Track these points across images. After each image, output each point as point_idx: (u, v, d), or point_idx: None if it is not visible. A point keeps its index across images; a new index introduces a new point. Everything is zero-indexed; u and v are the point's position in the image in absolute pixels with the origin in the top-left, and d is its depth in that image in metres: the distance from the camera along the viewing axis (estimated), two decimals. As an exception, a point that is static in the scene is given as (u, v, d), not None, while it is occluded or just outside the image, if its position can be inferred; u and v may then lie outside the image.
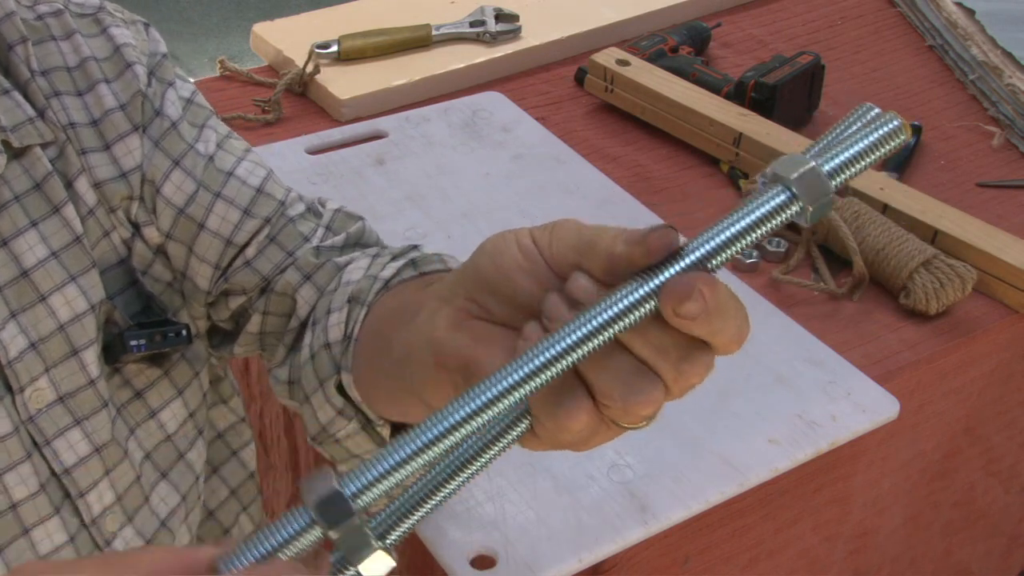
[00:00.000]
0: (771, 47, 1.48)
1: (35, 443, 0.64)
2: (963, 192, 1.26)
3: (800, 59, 1.33)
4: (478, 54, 1.39)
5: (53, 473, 0.65)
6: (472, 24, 1.41)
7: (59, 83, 0.68)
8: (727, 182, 1.25)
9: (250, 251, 0.74)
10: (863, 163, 0.44)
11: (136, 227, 0.71)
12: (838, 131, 0.46)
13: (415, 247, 0.74)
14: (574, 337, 0.43)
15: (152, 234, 0.72)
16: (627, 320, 0.44)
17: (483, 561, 0.82)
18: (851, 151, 0.44)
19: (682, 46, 1.41)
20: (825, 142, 0.46)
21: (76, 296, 0.66)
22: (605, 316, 0.44)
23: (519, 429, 0.48)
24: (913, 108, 1.40)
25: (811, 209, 0.44)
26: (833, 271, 1.11)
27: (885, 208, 1.15)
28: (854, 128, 0.45)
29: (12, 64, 0.67)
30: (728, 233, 0.44)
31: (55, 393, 0.65)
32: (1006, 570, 1.36)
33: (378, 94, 1.30)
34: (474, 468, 0.47)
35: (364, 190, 1.15)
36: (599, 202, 1.17)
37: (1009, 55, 1.45)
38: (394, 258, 0.72)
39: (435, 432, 0.43)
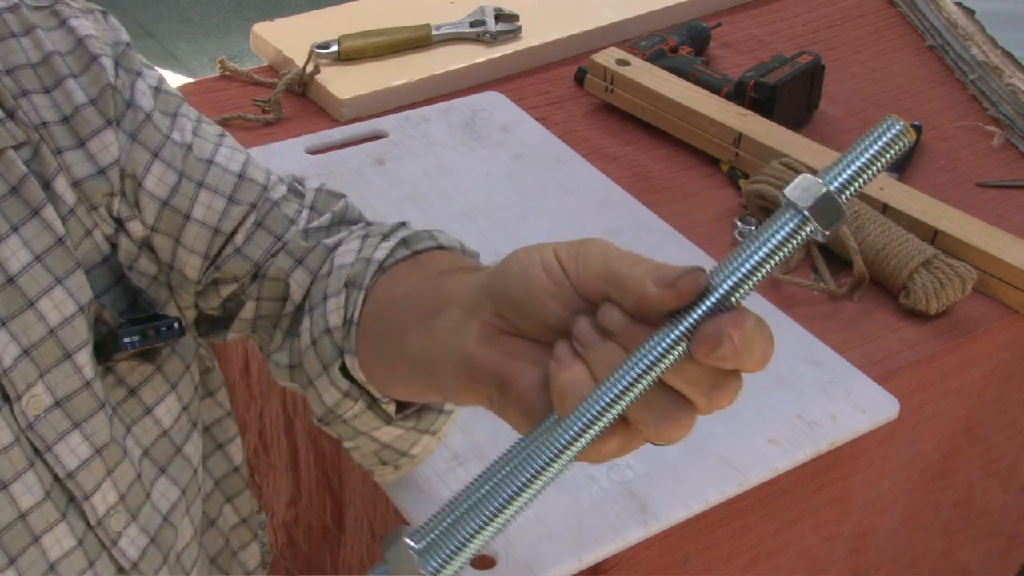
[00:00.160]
0: (771, 47, 1.48)
1: (36, 450, 0.64)
2: (963, 192, 1.26)
3: (800, 59, 1.33)
4: (478, 54, 1.39)
5: (56, 478, 0.65)
6: (472, 24, 1.41)
7: (25, 81, 0.66)
8: (727, 182, 1.25)
9: (239, 238, 0.73)
10: (870, 173, 0.45)
11: (119, 222, 0.70)
12: (862, 148, 0.46)
13: (403, 224, 0.75)
14: (619, 387, 0.46)
15: (136, 228, 0.71)
16: (663, 365, 0.46)
17: (483, 561, 0.82)
18: (856, 164, 0.45)
19: (682, 46, 1.41)
20: (843, 159, 0.46)
21: (64, 298, 0.65)
22: (644, 364, 0.46)
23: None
24: (913, 108, 1.40)
25: (827, 232, 0.45)
26: (833, 271, 1.11)
27: (885, 208, 1.15)
28: (871, 137, 0.46)
29: None
30: (749, 264, 0.46)
31: (52, 398, 0.64)
32: (1004, 569, 1.36)
33: (378, 94, 1.30)
34: (522, 502, 0.49)
35: (364, 190, 1.15)
36: (599, 202, 1.17)
37: (1009, 55, 1.45)
38: (384, 238, 0.72)
39: (497, 506, 0.48)
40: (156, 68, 0.74)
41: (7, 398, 0.63)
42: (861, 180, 0.46)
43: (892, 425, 0.98)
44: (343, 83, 1.30)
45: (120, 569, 0.68)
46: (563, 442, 0.46)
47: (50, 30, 0.68)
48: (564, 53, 1.44)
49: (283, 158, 1.18)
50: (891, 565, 1.18)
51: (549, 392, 0.50)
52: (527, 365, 0.53)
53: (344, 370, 0.70)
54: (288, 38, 1.37)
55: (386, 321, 0.67)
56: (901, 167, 1.27)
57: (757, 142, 1.21)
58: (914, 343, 1.06)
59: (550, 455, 0.46)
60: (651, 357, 0.46)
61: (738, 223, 1.16)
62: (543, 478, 0.47)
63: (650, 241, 1.11)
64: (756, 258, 0.46)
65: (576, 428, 0.46)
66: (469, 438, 0.91)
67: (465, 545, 0.48)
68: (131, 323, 0.69)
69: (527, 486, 0.47)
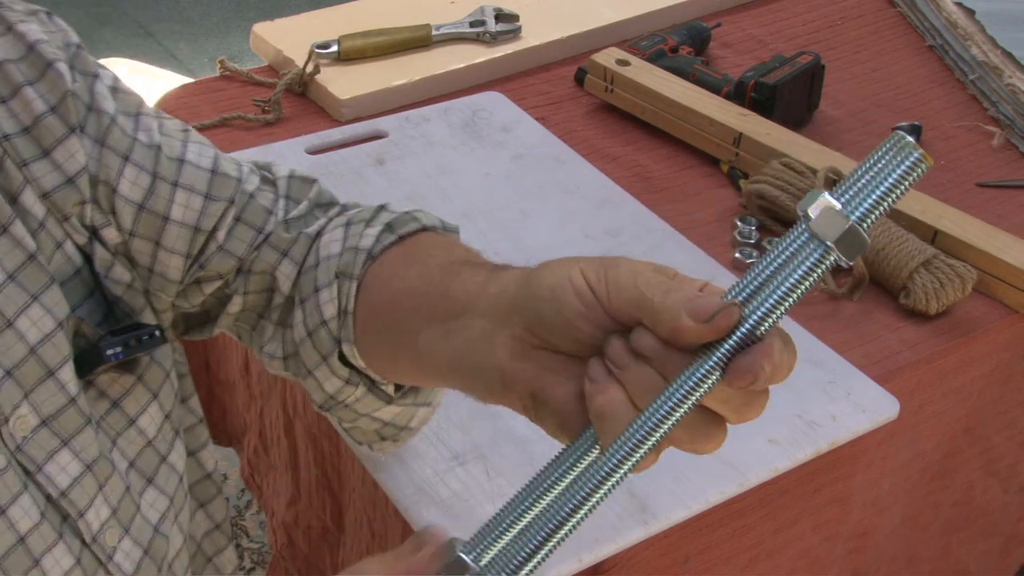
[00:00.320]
0: (771, 47, 1.48)
1: (27, 471, 0.62)
2: (963, 192, 1.26)
3: (800, 59, 1.33)
4: (478, 54, 1.39)
5: (49, 498, 0.63)
6: (472, 24, 1.41)
7: None
8: (727, 182, 1.25)
9: (220, 235, 0.73)
10: (891, 201, 0.47)
11: (92, 231, 0.68)
12: (869, 166, 0.48)
13: (383, 207, 0.75)
14: (660, 414, 0.49)
15: (111, 235, 0.69)
16: (700, 393, 0.49)
17: (483, 561, 0.81)
18: (877, 193, 0.47)
19: (682, 46, 1.41)
20: (858, 184, 0.48)
21: (42, 315, 0.63)
22: (682, 392, 0.49)
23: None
24: (913, 108, 1.40)
25: (851, 263, 0.48)
26: (833, 271, 1.11)
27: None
28: (886, 159, 0.48)
29: None
30: (777, 295, 0.49)
31: (37, 417, 0.63)
32: (1004, 569, 1.36)
33: (378, 94, 1.30)
34: (567, 529, 0.51)
35: (364, 190, 1.15)
36: (599, 202, 1.17)
37: (1009, 55, 1.45)
38: (368, 224, 0.72)
39: (554, 525, 0.50)
40: (108, 67, 0.72)
41: None
42: (881, 209, 0.47)
43: (892, 425, 0.98)
44: (343, 83, 1.30)
45: None
46: (611, 466, 0.49)
47: None
48: (564, 53, 1.44)
49: (283, 158, 1.18)
50: (891, 565, 1.18)
51: (585, 406, 0.53)
52: (561, 379, 0.55)
53: (342, 357, 0.71)
54: (288, 38, 1.37)
55: (390, 315, 0.68)
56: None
57: (757, 142, 1.21)
58: (914, 343, 1.06)
59: (600, 477, 0.49)
60: (688, 386, 0.49)
61: (738, 223, 1.16)
62: (595, 498, 0.50)
63: (650, 241, 1.11)
64: (783, 289, 0.48)
65: (623, 453, 0.49)
66: (469, 438, 0.91)
67: (526, 563, 0.50)
68: (112, 334, 0.67)
69: (580, 506, 0.50)
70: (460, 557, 0.50)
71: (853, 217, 0.47)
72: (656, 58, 1.36)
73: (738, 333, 0.49)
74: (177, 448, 0.74)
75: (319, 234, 0.74)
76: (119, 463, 0.68)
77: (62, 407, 0.64)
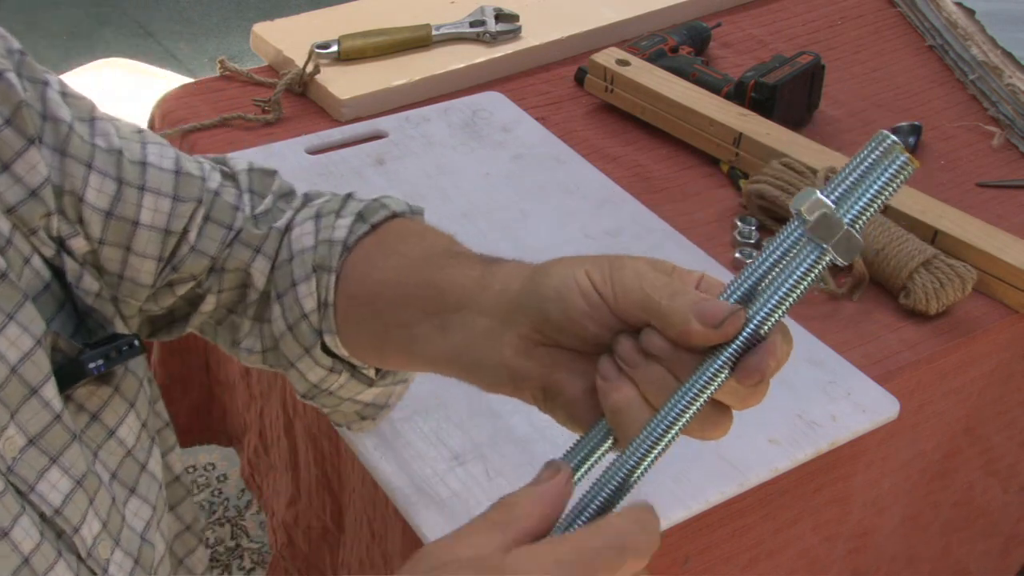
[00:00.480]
0: (771, 47, 1.48)
1: (19, 492, 0.62)
2: (963, 192, 1.26)
3: (800, 59, 1.33)
4: (478, 54, 1.39)
5: (43, 517, 0.63)
6: (472, 24, 1.41)
7: None
8: (727, 182, 1.25)
9: (191, 235, 0.72)
10: (881, 201, 0.51)
11: (60, 242, 0.67)
12: (857, 163, 0.51)
13: (349, 196, 0.75)
14: (675, 412, 0.52)
15: (79, 244, 0.68)
16: (711, 390, 0.52)
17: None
18: (867, 196, 0.50)
19: (682, 46, 1.41)
20: (846, 182, 0.51)
21: (19, 334, 0.62)
22: (694, 391, 0.52)
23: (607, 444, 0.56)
24: (913, 108, 1.40)
25: (845, 262, 0.51)
26: (833, 271, 1.11)
27: (885, 208, 1.15)
28: (871, 159, 0.51)
29: None
30: (778, 296, 0.52)
31: (24, 437, 0.62)
32: (1004, 569, 1.36)
33: (378, 94, 1.30)
34: None
35: (364, 190, 1.14)
36: (599, 202, 1.17)
37: (1009, 55, 1.45)
38: (338, 215, 0.73)
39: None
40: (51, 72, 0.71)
41: None
42: (872, 210, 0.50)
43: (892, 425, 0.98)
44: (343, 83, 1.30)
45: None
46: (634, 461, 0.51)
47: None
48: (564, 53, 1.44)
49: (283, 158, 1.18)
50: (891, 565, 1.18)
51: (595, 399, 0.55)
52: (570, 375, 0.57)
53: (324, 348, 0.72)
54: (288, 38, 1.37)
55: (373, 306, 0.69)
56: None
57: (757, 142, 1.21)
58: (914, 343, 1.06)
59: (625, 472, 0.52)
60: (700, 384, 0.52)
61: (738, 223, 1.16)
62: (623, 494, 0.53)
63: (650, 241, 1.11)
64: (784, 290, 0.51)
65: (644, 448, 0.51)
66: (469, 438, 0.91)
67: None
68: (90, 347, 0.66)
69: (610, 505, 0.52)
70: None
71: (847, 219, 0.50)
72: (656, 58, 1.36)
73: (744, 334, 0.51)
74: (154, 455, 0.74)
75: (289, 227, 0.75)
76: (102, 475, 0.68)
77: (48, 424, 0.63)
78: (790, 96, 1.29)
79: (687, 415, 0.51)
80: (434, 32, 1.38)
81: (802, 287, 0.51)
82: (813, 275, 0.51)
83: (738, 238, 1.15)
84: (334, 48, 1.34)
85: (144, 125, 1.36)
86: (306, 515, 1.10)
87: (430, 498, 0.85)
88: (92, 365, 0.65)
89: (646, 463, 0.52)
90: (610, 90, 1.32)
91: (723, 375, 0.52)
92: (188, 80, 1.56)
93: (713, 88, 1.30)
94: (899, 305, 1.09)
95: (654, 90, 1.28)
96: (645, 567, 0.50)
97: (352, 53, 1.34)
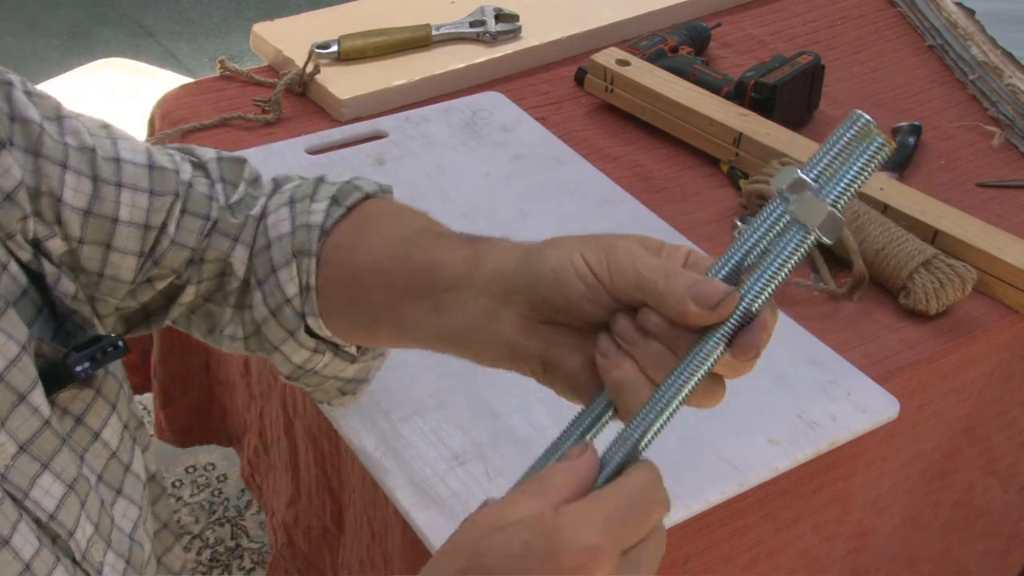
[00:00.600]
0: (771, 47, 1.48)
1: (14, 499, 0.61)
2: (963, 192, 1.26)
3: (800, 59, 1.33)
4: (478, 54, 1.39)
5: (38, 522, 0.63)
6: (472, 24, 1.41)
7: None
8: (727, 182, 1.25)
9: (171, 228, 0.73)
10: (861, 182, 0.54)
11: (36, 244, 0.67)
12: (833, 142, 0.54)
13: (321, 179, 0.76)
14: (675, 387, 0.54)
15: (56, 245, 0.68)
16: (708, 365, 0.54)
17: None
18: (847, 178, 0.53)
19: (682, 46, 1.41)
20: (824, 160, 0.54)
21: (4, 341, 0.62)
22: (692, 367, 0.54)
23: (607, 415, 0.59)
24: (913, 108, 1.40)
25: (830, 241, 0.54)
26: (833, 271, 1.11)
27: (885, 208, 1.15)
28: (847, 138, 0.54)
29: None
30: (768, 275, 0.54)
31: (15, 444, 0.62)
32: (1004, 570, 1.36)
33: (378, 94, 1.30)
34: None
35: (364, 190, 1.15)
36: (599, 202, 1.17)
37: (1009, 55, 1.45)
38: (312, 200, 0.74)
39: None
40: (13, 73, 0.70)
41: None
42: (853, 191, 0.53)
43: (892, 425, 0.98)
44: (343, 83, 1.30)
45: None
46: (638, 434, 0.54)
47: None
48: (564, 53, 1.44)
49: (283, 158, 1.18)
50: (891, 565, 1.18)
51: (594, 372, 0.57)
52: (569, 351, 0.59)
53: (307, 330, 0.73)
54: (288, 38, 1.37)
55: (357, 289, 0.70)
56: (901, 167, 1.27)
57: (757, 142, 1.21)
58: (914, 343, 1.06)
59: (630, 446, 0.54)
60: (698, 360, 0.54)
61: (738, 223, 1.16)
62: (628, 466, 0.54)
63: (650, 241, 1.11)
64: (772, 269, 0.54)
65: (647, 421, 0.54)
66: (469, 438, 0.91)
67: None
68: (75, 350, 0.66)
69: (614, 476, 0.54)
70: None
71: (828, 200, 0.53)
72: (656, 58, 1.36)
73: (737, 313, 0.54)
74: (137, 455, 0.74)
75: (263, 214, 0.75)
76: (89, 478, 0.67)
77: (37, 430, 0.63)
78: (790, 96, 1.29)
79: (687, 388, 0.54)
80: (434, 32, 1.38)
81: (789, 266, 0.54)
82: (799, 255, 0.54)
83: (738, 238, 1.15)
84: (334, 48, 1.34)
85: (144, 125, 1.36)
86: (306, 515, 1.11)
87: (430, 498, 0.85)
88: (79, 368, 0.65)
89: (651, 433, 0.54)
90: (610, 90, 1.32)
91: (719, 350, 0.54)
92: (188, 80, 1.56)
93: (713, 88, 1.30)
94: (899, 305, 1.09)
95: (654, 90, 1.28)
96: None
97: (352, 53, 1.34)
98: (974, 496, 1.23)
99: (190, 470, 1.83)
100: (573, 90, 1.38)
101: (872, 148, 0.53)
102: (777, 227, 0.56)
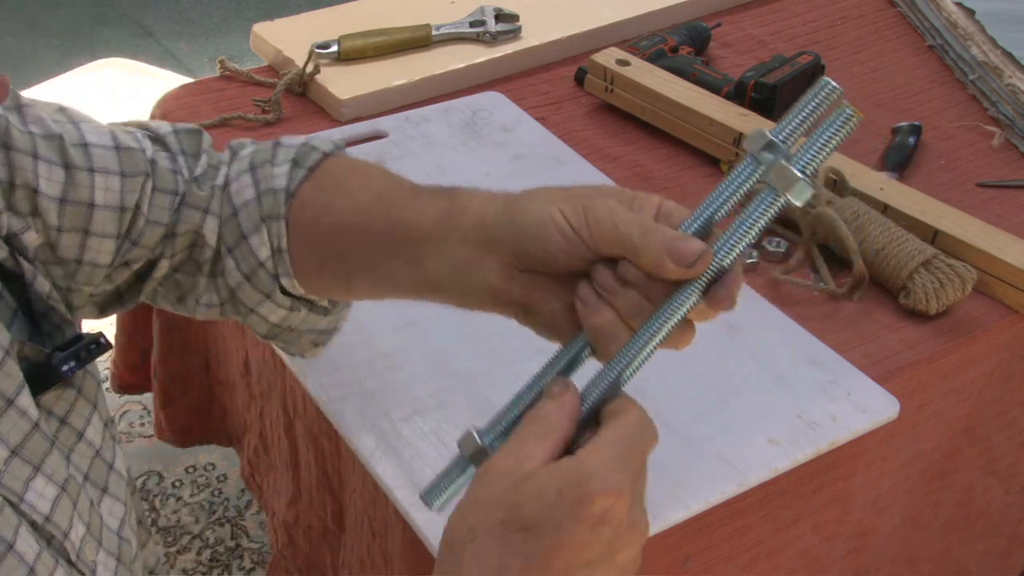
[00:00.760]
0: (771, 47, 1.48)
1: (11, 504, 0.62)
2: (963, 192, 1.26)
3: (800, 59, 1.33)
4: (478, 54, 1.39)
5: (34, 525, 0.63)
6: (472, 24, 1.41)
7: None
8: (727, 182, 1.24)
9: (144, 207, 0.74)
10: (830, 150, 0.58)
11: (9, 240, 0.67)
12: (801, 106, 0.58)
13: (277, 143, 0.78)
14: (651, 332, 0.59)
15: (31, 238, 0.68)
16: (683, 313, 0.59)
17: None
18: (816, 146, 0.57)
19: (682, 46, 1.41)
20: (792, 123, 0.58)
21: None
22: (667, 314, 0.58)
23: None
24: (913, 108, 1.40)
25: (798, 203, 0.58)
26: (833, 271, 1.11)
27: (885, 208, 1.15)
28: (815, 103, 0.58)
29: None
30: (740, 233, 0.59)
31: (7, 449, 0.62)
32: (1005, 570, 1.36)
33: (378, 94, 1.30)
34: None
35: (364, 190, 1.15)
36: (599, 202, 1.17)
37: (1009, 55, 1.45)
38: (272, 164, 0.75)
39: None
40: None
41: None
42: (822, 158, 0.57)
43: (892, 425, 0.98)
44: (343, 83, 1.30)
45: None
46: (615, 373, 0.58)
47: None
48: (564, 53, 1.44)
49: (283, 158, 1.18)
50: (891, 565, 1.18)
51: (573, 316, 0.61)
52: (549, 297, 0.63)
53: (282, 290, 0.76)
54: (288, 38, 1.37)
55: (330, 247, 0.73)
56: (901, 167, 1.27)
57: (757, 142, 1.21)
58: (914, 343, 1.06)
59: (608, 383, 0.58)
60: (672, 309, 0.58)
61: (738, 223, 1.16)
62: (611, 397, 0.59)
63: (650, 241, 1.11)
64: (744, 229, 0.58)
65: (624, 362, 0.58)
66: (469, 438, 0.90)
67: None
68: (58, 350, 0.66)
69: (592, 411, 0.59)
70: (473, 436, 0.59)
71: (798, 167, 0.57)
72: (656, 58, 1.36)
73: (712, 268, 0.58)
74: (118, 453, 0.74)
75: (226, 183, 0.77)
76: (77, 478, 0.67)
77: (27, 433, 0.63)
78: (790, 96, 1.29)
79: (663, 332, 0.58)
80: (434, 32, 1.38)
81: (760, 226, 0.59)
82: (769, 216, 0.58)
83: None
84: (334, 48, 1.34)
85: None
86: (307, 515, 1.11)
87: (430, 498, 0.85)
88: (65, 368, 0.66)
89: (629, 372, 0.59)
90: (610, 90, 1.32)
91: (693, 299, 0.58)
92: (188, 80, 1.56)
93: (713, 88, 1.30)
94: (899, 305, 1.09)
95: (654, 90, 1.28)
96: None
97: (352, 53, 1.34)
98: (974, 496, 1.23)
99: (190, 470, 1.83)
100: (573, 90, 1.38)
101: (841, 118, 0.57)
102: (747, 185, 0.60)
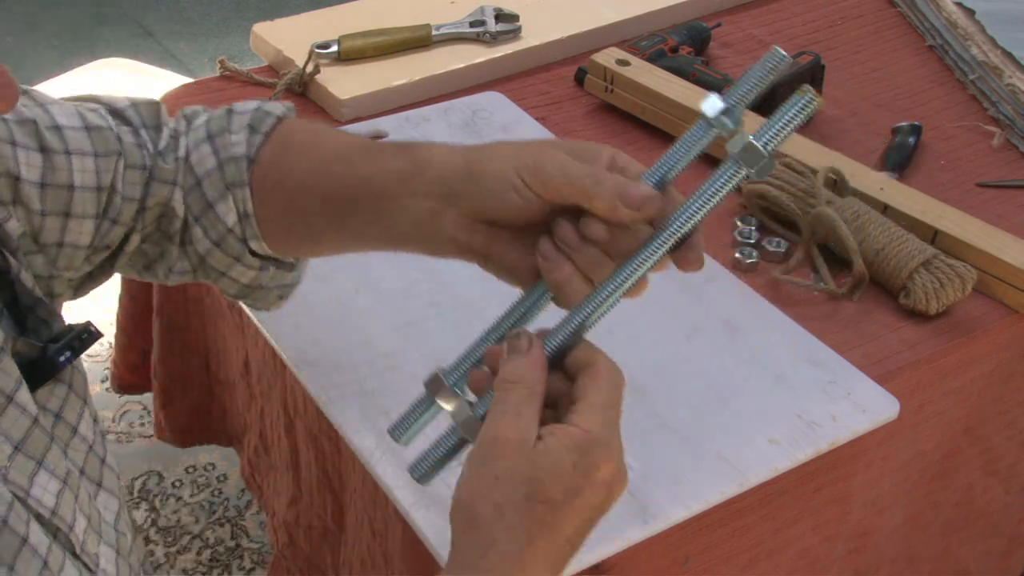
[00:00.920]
0: (771, 47, 1.48)
1: (18, 499, 0.62)
2: (963, 192, 1.26)
3: (800, 59, 1.32)
4: (478, 54, 1.39)
5: (40, 518, 0.63)
6: (472, 24, 1.41)
7: None
8: (727, 182, 1.24)
9: (119, 185, 0.75)
10: (790, 130, 0.63)
11: None
12: (750, 74, 0.65)
13: (230, 110, 0.79)
14: (616, 283, 0.62)
15: (13, 227, 0.68)
16: (644, 269, 0.63)
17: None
18: (777, 127, 0.63)
19: (682, 46, 1.41)
20: (742, 88, 0.66)
21: None
22: (633, 267, 0.62)
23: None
24: (913, 108, 1.40)
25: (759, 178, 0.64)
26: (833, 271, 1.11)
27: (885, 208, 1.15)
28: (764, 70, 0.65)
29: None
30: (702, 200, 0.64)
31: (10, 445, 0.62)
32: (1005, 570, 1.36)
33: (378, 94, 1.30)
34: None
35: (364, 190, 1.15)
36: (599, 202, 1.17)
37: (1009, 55, 1.45)
38: (229, 132, 0.77)
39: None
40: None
41: None
42: (783, 137, 0.62)
43: (892, 425, 0.98)
44: (343, 83, 1.30)
45: None
46: (577, 323, 0.62)
47: None
48: (564, 53, 1.44)
49: (283, 158, 1.18)
50: (891, 565, 1.18)
51: (532, 264, 0.64)
52: (511, 247, 0.66)
53: (251, 252, 0.78)
54: (288, 38, 1.37)
55: (295, 209, 0.75)
56: (901, 167, 1.27)
57: (757, 142, 1.21)
58: (914, 343, 1.06)
59: (571, 331, 0.62)
60: (636, 263, 0.62)
61: (738, 223, 1.16)
62: (573, 344, 0.63)
63: (650, 241, 1.11)
64: (706, 196, 0.64)
65: (585, 313, 0.62)
66: (469, 438, 0.90)
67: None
68: (52, 341, 0.66)
69: (556, 356, 0.62)
70: (439, 377, 0.65)
71: (760, 143, 0.62)
72: (656, 58, 1.36)
73: (671, 230, 0.62)
74: (108, 448, 0.74)
75: (187, 154, 0.78)
76: (74, 473, 0.68)
77: (28, 429, 0.63)
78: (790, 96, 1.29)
79: (624, 287, 0.62)
80: (434, 32, 1.38)
81: (720, 196, 0.63)
82: (730, 187, 0.63)
83: (738, 238, 1.15)
84: (334, 48, 1.34)
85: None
86: (307, 515, 1.11)
87: (430, 498, 0.85)
88: (62, 359, 0.66)
89: (592, 319, 0.62)
90: (610, 90, 1.32)
91: (655, 257, 0.62)
92: (188, 80, 1.56)
93: (713, 88, 1.30)
94: (899, 305, 1.09)
95: (654, 90, 1.28)
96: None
97: (352, 53, 1.34)
98: (974, 496, 1.23)
99: (190, 470, 1.83)
100: (573, 90, 1.38)
101: (802, 101, 0.61)
102: (700, 146, 0.66)
